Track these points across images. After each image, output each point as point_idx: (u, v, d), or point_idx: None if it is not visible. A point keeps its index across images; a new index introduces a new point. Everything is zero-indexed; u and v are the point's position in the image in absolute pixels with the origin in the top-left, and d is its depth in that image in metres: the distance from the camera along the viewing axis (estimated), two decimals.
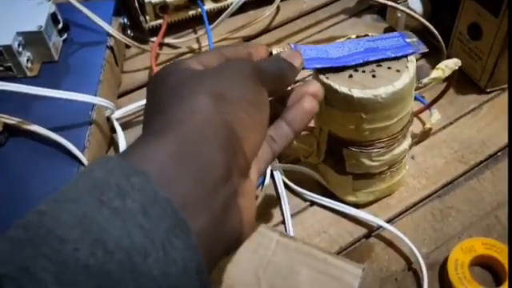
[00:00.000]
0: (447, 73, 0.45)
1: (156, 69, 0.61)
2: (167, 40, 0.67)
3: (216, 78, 0.28)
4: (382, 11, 0.67)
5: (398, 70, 0.41)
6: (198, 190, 0.24)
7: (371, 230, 0.47)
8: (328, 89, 0.41)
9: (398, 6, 0.56)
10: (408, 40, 0.43)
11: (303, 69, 0.41)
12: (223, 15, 0.62)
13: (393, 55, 0.41)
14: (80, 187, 0.21)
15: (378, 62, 0.41)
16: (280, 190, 0.50)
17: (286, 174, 0.52)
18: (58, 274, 0.18)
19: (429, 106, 0.54)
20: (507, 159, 0.52)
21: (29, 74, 0.54)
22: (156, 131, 0.25)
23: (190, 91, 0.26)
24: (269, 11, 0.65)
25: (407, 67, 0.41)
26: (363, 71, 0.41)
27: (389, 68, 0.41)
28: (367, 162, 0.44)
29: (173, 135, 0.24)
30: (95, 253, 0.19)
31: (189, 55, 0.66)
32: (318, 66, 0.41)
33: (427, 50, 0.42)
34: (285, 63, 0.33)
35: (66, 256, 0.19)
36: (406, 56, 0.42)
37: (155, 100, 0.28)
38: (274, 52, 0.42)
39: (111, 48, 0.59)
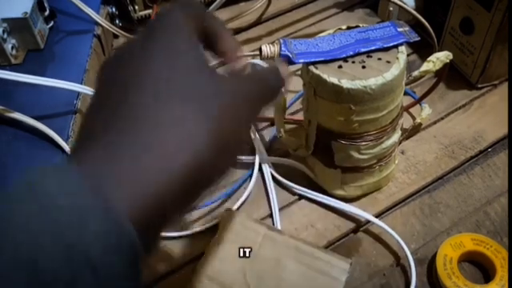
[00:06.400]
0: (438, 65, 0.44)
1: None
2: None
3: (218, 105, 0.24)
4: (374, 5, 0.66)
5: (388, 61, 0.40)
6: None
7: (359, 225, 0.47)
8: (317, 79, 0.40)
9: None
10: (399, 29, 0.42)
11: (293, 63, 0.41)
12: (213, 6, 0.61)
13: (384, 45, 0.41)
14: (23, 209, 0.19)
15: (369, 52, 0.41)
16: (268, 183, 0.50)
17: (275, 167, 0.51)
18: None
19: (419, 101, 0.53)
20: (501, 155, 0.51)
21: (13, 61, 0.53)
22: (114, 164, 0.21)
23: (186, 116, 0.23)
24: (260, 3, 0.64)
25: (397, 58, 0.40)
26: (353, 62, 0.40)
27: (379, 59, 0.40)
28: (356, 154, 0.43)
29: (133, 192, 0.21)
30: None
31: None
32: (308, 60, 0.40)
33: (419, 39, 0.42)
34: (280, 80, 0.30)
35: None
36: (397, 45, 0.41)
37: (131, 78, 0.23)
38: (264, 48, 0.42)
39: (98, 37, 0.58)
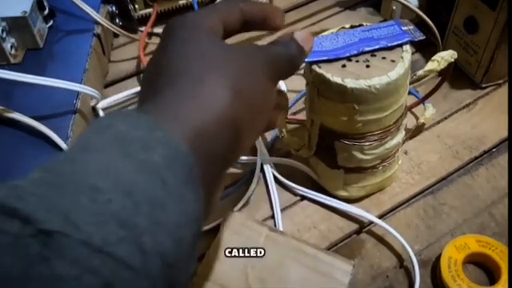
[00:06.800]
0: (443, 65, 0.44)
1: (144, 59, 0.59)
2: (156, 30, 0.65)
3: (235, 69, 0.28)
4: (376, 4, 0.66)
5: (392, 61, 0.40)
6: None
7: (362, 226, 0.46)
8: (320, 79, 0.39)
9: None
10: (404, 28, 0.41)
11: None
12: None
13: (388, 44, 0.40)
14: (103, 139, 0.22)
15: (373, 51, 0.40)
16: (270, 184, 0.49)
17: (277, 167, 0.50)
18: (97, 225, 0.19)
19: (423, 100, 0.53)
20: (506, 155, 0.51)
21: (12, 60, 0.53)
22: (167, 109, 0.25)
23: (209, 78, 0.27)
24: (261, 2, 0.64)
25: (402, 57, 0.40)
26: (357, 61, 0.40)
27: (383, 58, 0.40)
28: (359, 155, 0.43)
29: (184, 127, 0.25)
30: (126, 206, 0.20)
31: None
32: (311, 59, 0.40)
33: (424, 38, 0.41)
34: (296, 49, 0.32)
35: (100, 207, 0.20)
36: (401, 44, 0.40)
37: (168, 60, 0.28)
38: None
39: (98, 36, 0.57)
